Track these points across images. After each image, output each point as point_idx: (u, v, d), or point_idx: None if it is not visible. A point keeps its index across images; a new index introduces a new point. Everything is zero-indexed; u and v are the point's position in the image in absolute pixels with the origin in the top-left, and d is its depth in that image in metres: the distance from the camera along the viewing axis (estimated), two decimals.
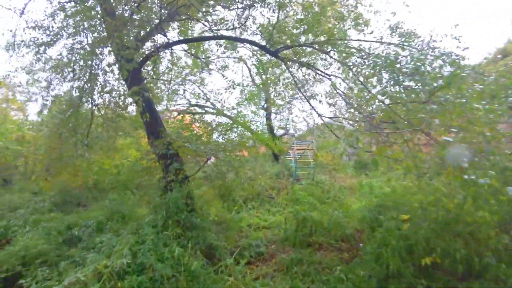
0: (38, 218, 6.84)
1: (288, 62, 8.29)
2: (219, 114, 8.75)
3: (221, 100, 10.14)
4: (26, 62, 9.31)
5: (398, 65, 4.59)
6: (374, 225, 5.90)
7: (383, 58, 4.71)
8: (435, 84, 4.33)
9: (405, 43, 5.69)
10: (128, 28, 6.01)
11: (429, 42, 5.65)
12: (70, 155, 9.02)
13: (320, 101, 6.70)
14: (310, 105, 7.13)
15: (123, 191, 8.13)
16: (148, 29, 7.50)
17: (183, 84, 13.39)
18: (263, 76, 9.23)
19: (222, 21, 7.74)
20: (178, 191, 5.65)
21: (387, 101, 5.90)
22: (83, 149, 9.38)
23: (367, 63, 4.87)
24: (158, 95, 11.13)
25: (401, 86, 4.29)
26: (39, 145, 9.18)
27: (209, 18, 8.03)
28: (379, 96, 5.04)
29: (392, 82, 4.41)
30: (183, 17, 8.20)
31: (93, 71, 8.58)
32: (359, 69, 5.31)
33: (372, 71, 4.49)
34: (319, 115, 7.07)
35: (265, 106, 15.83)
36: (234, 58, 15.35)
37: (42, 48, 7.79)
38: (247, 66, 15.41)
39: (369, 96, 4.77)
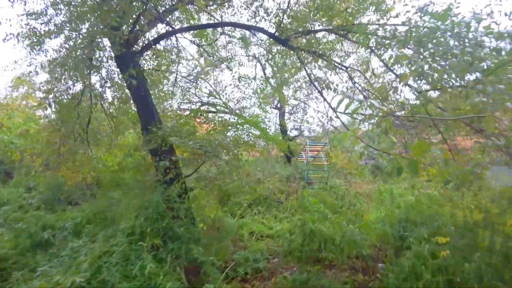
0: (20, 216, 6.02)
1: (300, 52, 7.13)
2: (223, 112, 7.71)
3: (226, 94, 9.07)
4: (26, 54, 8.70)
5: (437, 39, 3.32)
6: (398, 245, 4.61)
7: (419, 29, 3.46)
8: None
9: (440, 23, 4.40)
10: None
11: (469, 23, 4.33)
12: (69, 150, 8.34)
13: (335, 90, 5.48)
14: (323, 97, 5.94)
15: (116, 189, 7.22)
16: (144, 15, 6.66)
17: (194, 81, 12.54)
18: (275, 69, 8.06)
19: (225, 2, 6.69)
20: (162, 193, 4.60)
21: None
22: (84, 144, 8.70)
23: (396, 38, 3.63)
24: (164, 89, 10.31)
25: (446, 63, 3.02)
26: (38, 139, 8.44)
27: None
28: (411, 83, 3.79)
29: (431, 59, 3.14)
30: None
31: (93, 62, 7.88)
32: (383, 49, 4.06)
33: (404, 42, 3.23)
34: (333, 110, 5.86)
35: (278, 105, 14.65)
36: (248, 55, 14.37)
37: (41, 39, 7.11)
38: (261, 64, 14.33)
39: (400, 77, 3.50)
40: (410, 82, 4.10)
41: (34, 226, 5.20)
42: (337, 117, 5.72)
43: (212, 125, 7.07)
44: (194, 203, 5.82)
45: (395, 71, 4.18)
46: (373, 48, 4.46)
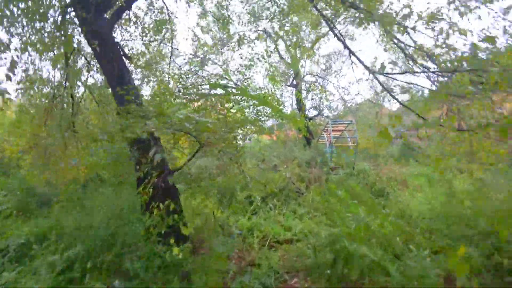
0: None
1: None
2: (217, 86, 5.82)
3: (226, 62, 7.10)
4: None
5: None
6: (494, 280, 2.61)
7: None
8: None
9: None
10: None
11: None
12: (55, 144, 6.90)
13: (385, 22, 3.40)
14: (355, 56, 3.88)
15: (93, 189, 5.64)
16: None
17: (205, 59, 10.60)
18: (286, 28, 5.97)
19: None
20: (112, 205, 2.86)
21: None
22: (71, 137, 7.22)
23: None
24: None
25: None
26: (21, 134, 7.03)
27: None
28: None
29: None
30: None
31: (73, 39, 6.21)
32: None
33: None
34: (369, 70, 3.81)
35: (294, 82, 12.45)
36: (259, 31, 12.18)
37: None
38: (273, 41, 12.10)
39: None
40: None
41: None
42: (375, 78, 3.70)
43: (204, 101, 5.25)
44: (175, 214, 4.07)
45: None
46: None
